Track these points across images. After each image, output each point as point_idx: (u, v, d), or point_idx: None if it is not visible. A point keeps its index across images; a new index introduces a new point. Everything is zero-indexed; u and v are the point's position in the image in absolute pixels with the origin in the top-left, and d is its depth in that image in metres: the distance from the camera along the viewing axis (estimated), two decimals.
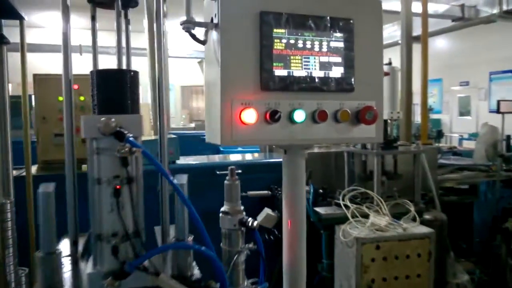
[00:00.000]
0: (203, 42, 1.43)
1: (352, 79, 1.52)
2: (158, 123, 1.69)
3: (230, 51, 1.38)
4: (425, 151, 3.93)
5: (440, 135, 8.41)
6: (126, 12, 1.83)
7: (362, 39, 1.54)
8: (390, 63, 3.67)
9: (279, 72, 1.43)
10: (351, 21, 1.52)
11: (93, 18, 1.76)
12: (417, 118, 6.67)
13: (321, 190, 3.68)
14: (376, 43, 1.57)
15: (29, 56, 3.17)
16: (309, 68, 1.47)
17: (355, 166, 3.89)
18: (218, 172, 2.47)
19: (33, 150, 3.12)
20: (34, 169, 3.33)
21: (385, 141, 3.66)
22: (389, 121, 3.72)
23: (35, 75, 3.47)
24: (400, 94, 5.13)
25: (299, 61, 1.45)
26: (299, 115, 1.43)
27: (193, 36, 1.39)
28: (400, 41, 5.41)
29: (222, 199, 1.70)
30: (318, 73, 1.48)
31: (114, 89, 1.56)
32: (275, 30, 1.42)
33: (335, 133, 1.51)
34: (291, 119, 1.44)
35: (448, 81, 13.56)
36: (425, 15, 5.14)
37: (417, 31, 5.55)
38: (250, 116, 1.38)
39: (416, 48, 5.26)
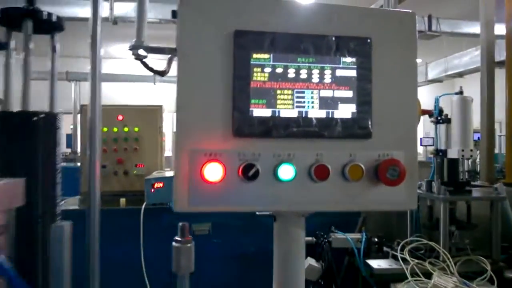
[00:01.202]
0: (161, 73, 1.09)
1: (369, 121, 1.08)
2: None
3: (190, 83, 1.03)
4: (505, 198, 3.21)
5: None
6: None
7: (384, 64, 1.11)
8: (461, 92, 3.08)
9: (260, 111, 1.04)
10: (369, 41, 1.10)
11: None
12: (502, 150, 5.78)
13: (376, 239, 3.14)
14: (406, 71, 1.13)
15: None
16: (303, 106, 1.06)
17: (420, 212, 3.29)
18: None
19: None
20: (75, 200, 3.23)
21: (455, 184, 3.05)
22: (460, 159, 3.10)
23: (82, 106, 3.41)
24: (481, 126, 4.43)
25: (289, 96, 1.06)
26: (286, 171, 1.03)
27: (145, 65, 1.06)
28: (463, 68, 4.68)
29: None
30: (317, 113, 1.07)
31: None
32: (254, 56, 1.04)
33: (343, 196, 1.08)
34: (276, 176, 1.03)
35: None
36: (510, 38, 4.42)
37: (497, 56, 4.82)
38: (215, 171, 1.01)
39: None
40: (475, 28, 5.46)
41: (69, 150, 9.76)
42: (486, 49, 4.65)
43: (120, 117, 3.36)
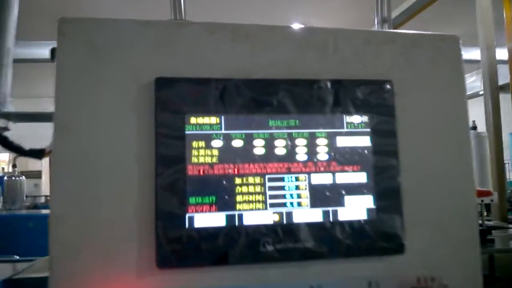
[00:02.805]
0: (39, 155, 0.63)
1: (399, 222, 0.62)
2: None
3: (74, 178, 0.57)
4: None
5: None
6: None
7: (417, 122, 0.66)
8: (475, 128, 2.65)
9: (205, 218, 0.58)
10: (388, 86, 0.65)
11: None
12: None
13: None
14: (454, 127, 0.68)
15: None
16: (283, 205, 0.60)
17: None
18: None
19: None
20: None
21: None
22: (478, 205, 2.64)
23: None
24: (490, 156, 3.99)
25: (258, 188, 0.60)
26: None
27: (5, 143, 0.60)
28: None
29: None
30: (307, 215, 0.60)
31: None
32: (192, 121, 0.59)
33: None
34: None
35: None
36: None
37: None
38: None
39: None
40: (470, 54, 5.11)
41: None
42: (489, 74, 4.28)
43: None
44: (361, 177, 0.63)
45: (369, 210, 0.62)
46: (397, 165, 0.64)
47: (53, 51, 0.60)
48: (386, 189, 0.63)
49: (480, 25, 4.42)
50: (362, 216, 0.62)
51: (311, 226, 0.60)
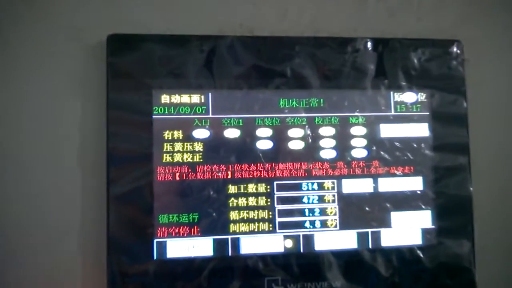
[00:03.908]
0: None
1: (468, 254, 0.42)
2: None
3: None
4: None
5: None
6: None
7: (493, 108, 0.45)
8: None
9: (180, 247, 0.39)
10: (456, 50, 0.44)
11: None
12: None
13: None
14: None
15: None
16: (300, 226, 0.40)
17: None
18: None
19: None
20: None
21: None
22: None
23: None
24: None
25: (264, 201, 0.40)
26: None
27: None
28: None
29: None
30: (335, 241, 0.41)
31: None
32: (164, 99, 0.39)
33: None
34: None
35: None
36: None
37: None
38: None
39: None
40: None
41: None
42: None
43: None
44: (415, 184, 0.43)
45: (426, 232, 0.42)
46: (467, 166, 0.43)
47: None
48: (451, 201, 0.43)
49: None
50: (416, 240, 0.42)
51: (340, 256, 0.41)
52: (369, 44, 0.43)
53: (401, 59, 0.43)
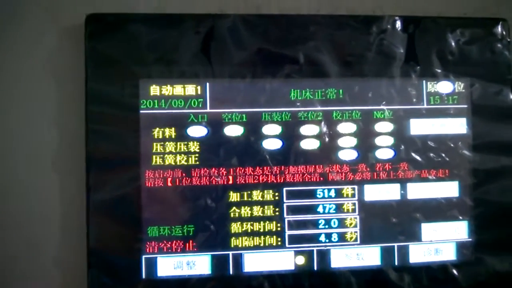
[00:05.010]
0: None
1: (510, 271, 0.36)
2: None
3: None
4: None
5: None
6: None
7: None
8: None
9: (173, 264, 0.33)
10: (501, 31, 0.37)
11: None
12: None
13: None
14: None
15: None
16: (314, 240, 0.34)
17: None
18: None
19: None
20: None
21: None
22: None
23: None
24: None
25: (272, 211, 0.34)
26: None
27: None
28: None
29: None
30: (355, 257, 0.35)
31: None
32: (153, 90, 0.33)
33: None
34: None
35: None
36: None
37: None
38: None
39: None
40: None
41: None
42: None
43: None
44: (450, 190, 0.36)
45: (461, 247, 0.36)
46: None
47: None
48: (492, 210, 0.37)
49: None
50: (450, 256, 0.36)
51: (361, 275, 0.35)
52: (397, 24, 0.36)
53: (436, 41, 0.36)
